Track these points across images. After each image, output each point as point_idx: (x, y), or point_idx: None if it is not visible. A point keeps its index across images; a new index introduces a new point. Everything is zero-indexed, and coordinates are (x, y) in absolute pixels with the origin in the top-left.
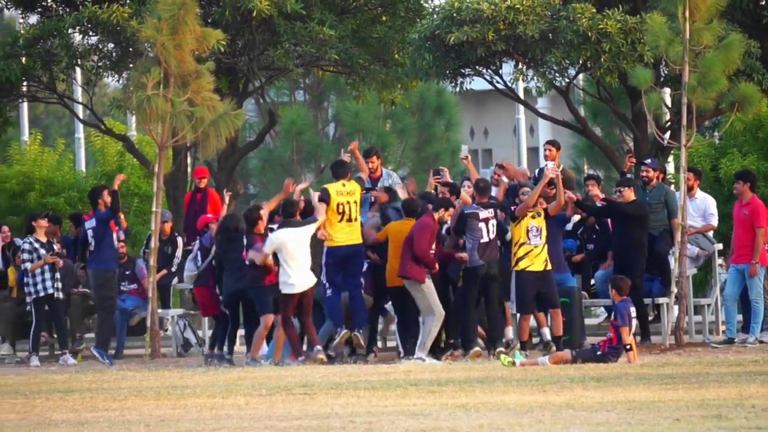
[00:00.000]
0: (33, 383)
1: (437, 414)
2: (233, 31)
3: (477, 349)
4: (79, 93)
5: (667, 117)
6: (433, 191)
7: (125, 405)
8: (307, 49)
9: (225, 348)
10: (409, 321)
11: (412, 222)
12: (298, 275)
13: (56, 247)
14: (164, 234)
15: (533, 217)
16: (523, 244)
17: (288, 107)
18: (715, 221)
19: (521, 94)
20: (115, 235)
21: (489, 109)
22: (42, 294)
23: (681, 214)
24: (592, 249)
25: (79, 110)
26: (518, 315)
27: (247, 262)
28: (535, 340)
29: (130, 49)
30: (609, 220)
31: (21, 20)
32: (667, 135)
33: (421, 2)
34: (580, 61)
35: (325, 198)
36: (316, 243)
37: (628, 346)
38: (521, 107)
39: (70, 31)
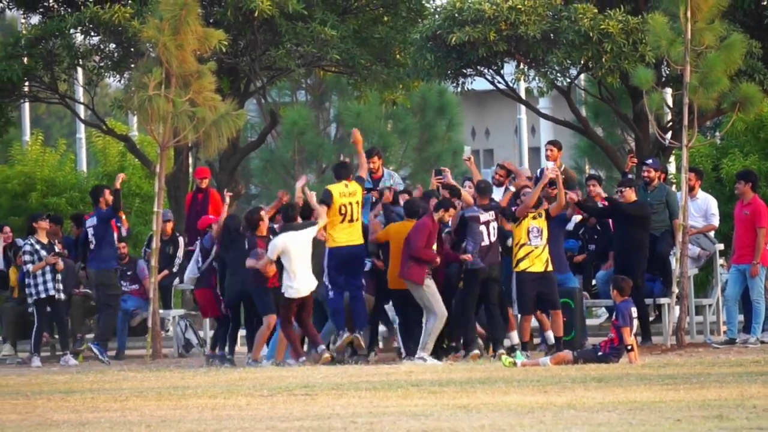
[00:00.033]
0: (34, 384)
1: (439, 414)
2: (235, 32)
3: (476, 351)
4: (80, 93)
5: (669, 117)
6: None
7: (126, 405)
8: (308, 50)
9: (226, 348)
10: (411, 323)
11: (412, 223)
12: (301, 279)
13: (57, 248)
14: (165, 234)
15: (534, 218)
16: (523, 245)
17: (289, 107)
18: (716, 221)
19: (523, 95)
20: (115, 235)
21: (490, 109)
22: (43, 295)
23: (682, 215)
24: (594, 249)
25: (81, 110)
26: (519, 316)
27: (247, 264)
28: (536, 340)
29: (132, 50)
30: (610, 221)
31: (23, 20)
32: (669, 135)
33: (423, 2)
34: (582, 62)
35: (327, 199)
36: (316, 244)
37: (629, 347)
38: (523, 107)
39: (71, 31)
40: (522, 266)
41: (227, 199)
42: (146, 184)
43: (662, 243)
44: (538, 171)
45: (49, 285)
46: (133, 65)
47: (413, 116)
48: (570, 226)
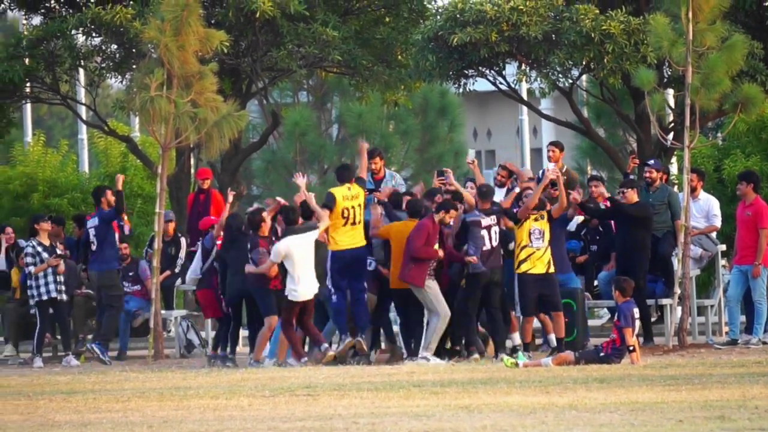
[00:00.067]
0: (36, 384)
1: (440, 415)
2: (236, 32)
3: (476, 356)
4: (82, 94)
5: (671, 118)
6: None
7: (128, 406)
8: (310, 50)
9: (228, 349)
10: (413, 323)
11: (414, 223)
12: (304, 282)
13: (59, 249)
14: (167, 235)
15: (536, 219)
16: (525, 246)
17: (291, 108)
18: (718, 222)
19: (524, 95)
20: (117, 235)
21: (492, 110)
22: (45, 298)
23: (684, 216)
24: (596, 250)
25: (83, 111)
26: (521, 317)
27: (246, 270)
28: (539, 341)
29: (134, 51)
30: (612, 222)
31: (24, 21)
32: (671, 136)
33: (425, 3)
34: (584, 62)
35: (330, 203)
36: (318, 246)
37: (631, 348)
38: (524, 108)
39: (73, 32)
40: (523, 268)
41: (230, 198)
42: (148, 185)
43: (664, 244)
44: (540, 172)
45: (51, 287)
46: (134, 66)
47: (415, 117)
48: (572, 227)
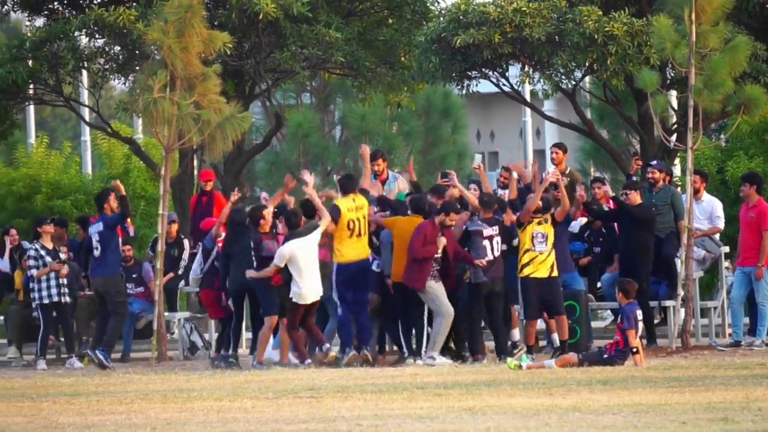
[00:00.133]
0: (40, 386)
1: (444, 417)
2: (239, 34)
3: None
4: (85, 96)
5: (674, 119)
6: None
7: (132, 408)
8: (313, 52)
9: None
10: (413, 319)
11: (419, 220)
12: (309, 286)
13: (62, 254)
14: (170, 237)
15: (539, 223)
16: (528, 250)
17: (294, 110)
18: (721, 224)
19: (528, 97)
20: (120, 239)
21: (495, 111)
22: (46, 301)
23: (687, 217)
24: (599, 252)
25: (86, 113)
26: (524, 320)
27: (247, 275)
28: (542, 342)
29: (137, 52)
30: (615, 224)
31: (27, 23)
32: (674, 137)
33: (428, 5)
34: (587, 64)
35: (335, 215)
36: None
37: (634, 349)
38: (528, 110)
39: (76, 33)
40: (526, 272)
41: (233, 198)
42: (151, 187)
43: (667, 245)
44: (544, 173)
45: (53, 291)
46: (137, 68)
47: (418, 119)
48: (575, 229)
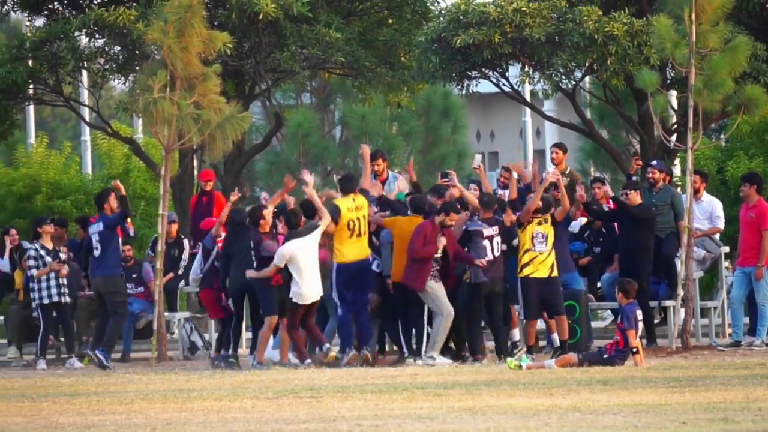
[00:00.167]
0: (40, 386)
1: (444, 417)
2: (240, 34)
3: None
4: (85, 96)
5: (674, 119)
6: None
7: (132, 408)
8: (313, 52)
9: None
10: (413, 319)
11: (419, 220)
12: (309, 286)
13: (62, 254)
14: (170, 237)
15: (539, 223)
16: (528, 250)
17: (294, 110)
18: (721, 224)
19: (527, 97)
20: (120, 240)
21: (495, 111)
22: (46, 301)
23: (687, 217)
24: (599, 252)
25: (86, 113)
26: (524, 320)
27: (247, 275)
28: (542, 343)
29: (137, 52)
30: (615, 224)
31: (27, 23)
32: (674, 137)
33: (428, 5)
34: (587, 64)
35: (335, 216)
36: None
37: (634, 349)
38: (528, 110)
39: (76, 33)
40: (526, 272)
41: (232, 198)
42: (151, 187)
43: (667, 245)
44: (544, 173)
45: (53, 291)
46: (137, 68)
47: (418, 119)
48: (575, 229)
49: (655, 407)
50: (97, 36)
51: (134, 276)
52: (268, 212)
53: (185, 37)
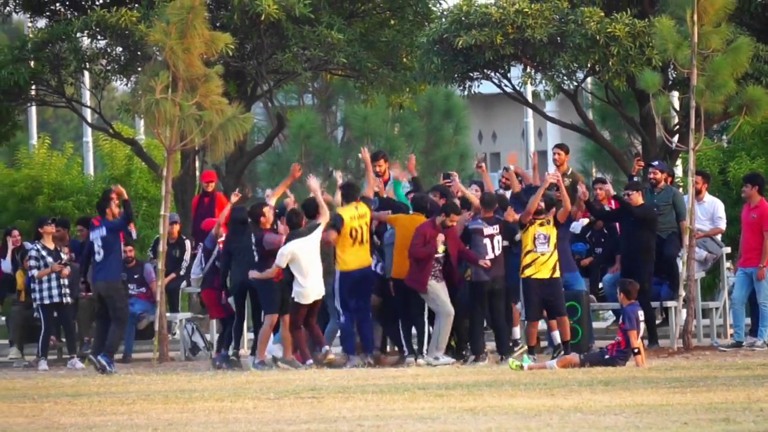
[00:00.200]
0: (41, 387)
1: (445, 418)
2: (242, 35)
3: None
4: (87, 97)
5: (676, 120)
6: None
7: (133, 409)
8: (315, 53)
9: (231, 347)
10: (413, 317)
11: (421, 218)
12: (311, 285)
13: (64, 255)
14: (172, 237)
15: (541, 224)
16: (529, 251)
17: (296, 111)
18: (723, 224)
19: (529, 98)
20: (122, 245)
21: (497, 112)
22: (47, 302)
23: (689, 218)
24: (601, 252)
25: (88, 114)
26: (526, 321)
27: (251, 276)
28: (544, 343)
29: (139, 53)
30: (617, 224)
31: (29, 24)
32: (676, 138)
33: (430, 6)
34: (589, 65)
35: (338, 225)
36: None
37: (636, 350)
38: (529, 111)
39: (78, 35)
40: (527, 273)
41: (233, 199)
42: (153, 188)
43: (669, 246)
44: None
45: (54, 291)
46: (140, 69)
47: (420, 120)
48: (577, 230)
49: (657, 408)
50: (99, 37)
51: (136, 277)
52: (269, 209)
53: (187, 38)
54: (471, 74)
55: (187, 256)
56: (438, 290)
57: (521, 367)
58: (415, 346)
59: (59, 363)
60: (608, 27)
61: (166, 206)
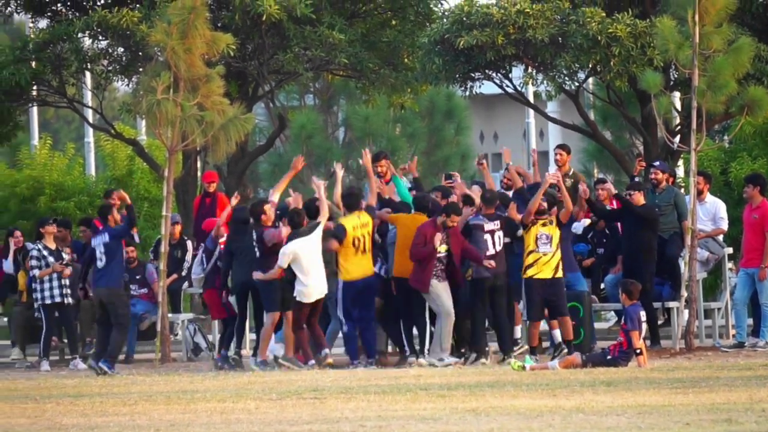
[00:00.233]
0: (43, 388)
1: (447, 418)
2: (243, 35)
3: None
4: (88, 97)
5: (677, 121)
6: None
7: (135, 410)
8: (316, 53)
9: (232, 347)
10: (415, 316)
11: (422, 218)
12: (313, 284)
13: (65, 255)
14: (173, 238)
15: (543, 224)
16: (532, 251)
17: (298, 111)
18: (725, 225)
19: (531, 98)
20: (124, 250)
21: (499, 113)
22: (48, 302)
23: (691, 218)
24: (602, 253)
25: (89, 114)
26: (528, 321)
27: (254, 277)
28: (546, 344)
29: (140, 54)
30: (619, 224)
31: (31, 24)
32: (677, 139)
33: (431, 6)
34: (590, 65)
35: (341, 235)
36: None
37: (638, 351)
38: (531, 111)
39: (79, 35)
40: (529, 273)
41: (234, 201)
42: (154, 188)
43: (671, 246)
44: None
45: (56, 291)
46: (141, 69)
47: (421, 120)
48: (578, 230)
49: (659, 408)
50: (100, 37)
51: (138, 277)
52: (269, 207)
53: (188, 38)
54: (472, 75)
55: (188, 256)
56: (440, 290)
57: (523, 367)
58: (417, 346)
59: (61, 364)
60: (609, 27)
61: (167, 207)
